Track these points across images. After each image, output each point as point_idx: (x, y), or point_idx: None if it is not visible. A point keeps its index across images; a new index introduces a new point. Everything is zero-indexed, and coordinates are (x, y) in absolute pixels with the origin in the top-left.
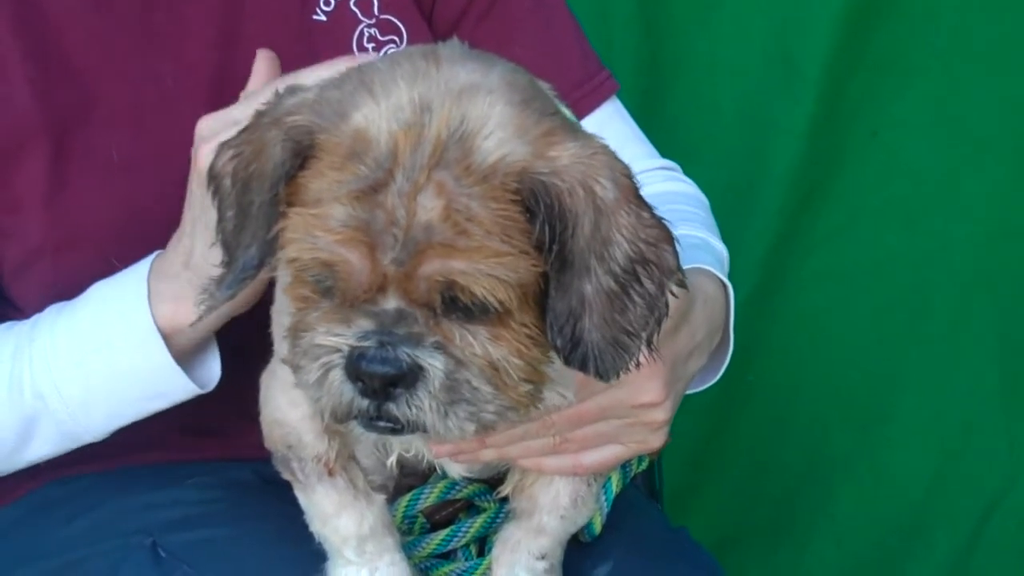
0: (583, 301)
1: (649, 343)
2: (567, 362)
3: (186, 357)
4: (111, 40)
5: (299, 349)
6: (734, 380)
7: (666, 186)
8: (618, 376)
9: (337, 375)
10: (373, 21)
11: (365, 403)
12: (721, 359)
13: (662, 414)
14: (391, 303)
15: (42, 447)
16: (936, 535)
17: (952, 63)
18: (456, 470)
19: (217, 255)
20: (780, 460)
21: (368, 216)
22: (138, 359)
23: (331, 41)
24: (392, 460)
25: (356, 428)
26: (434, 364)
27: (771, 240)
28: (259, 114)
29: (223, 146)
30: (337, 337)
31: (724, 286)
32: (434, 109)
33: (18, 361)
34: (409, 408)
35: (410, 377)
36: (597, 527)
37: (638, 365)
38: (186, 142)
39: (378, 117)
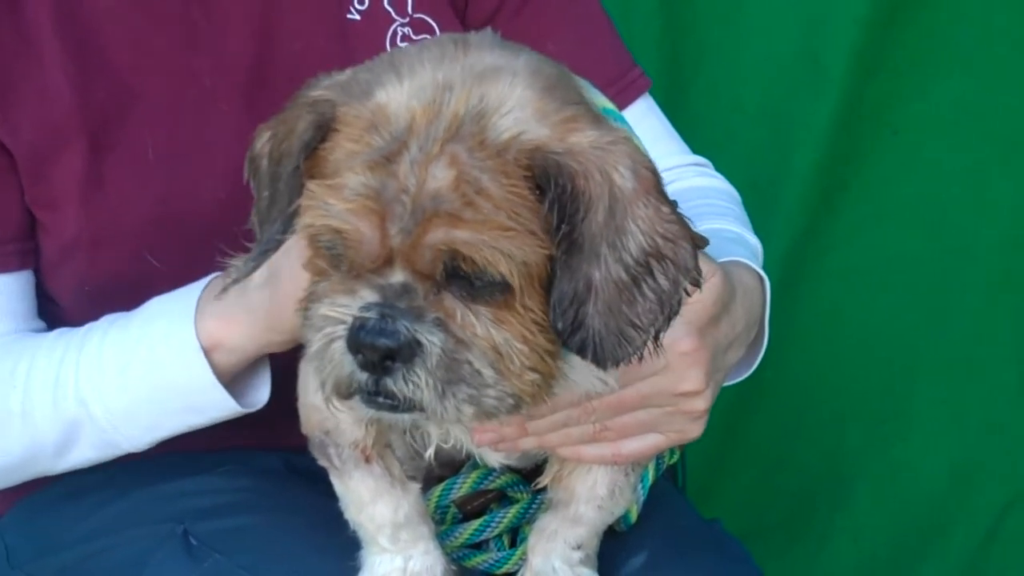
0: (590, 287)
1: (656, 338)
2: (566, 345)
3: (236, 378)
4: (149, 37)
5: (308, 321)
6: (752, 377)
7: (699, 181)
8: (617, 366)
9: (339, 347)
10: (407, 20)
11: (364, 377)
12: (755, 352)
13: (702, 403)
14: (397, 276)
15: (84, 452)
16: (953, 533)
17: (975, 63)
18: (494, 459)
19: (268, 293)
20: (798, 457)
21: (380, 185)
22: (180, 372)
23: (365, 40)
24: (431, 451)
25: (358, 405)
26: (432, 340)
27: (792, 237)
28: (296, 96)
29: (262, 128)
30: (341, 308)
31: (761, 279)
32: (455, 88)
33: (65, 366)
34: (406, 384)
35: (407, 351)
36: (633, 517)
37: (641, 359)
38: (222, 139)
39: (399, 94)
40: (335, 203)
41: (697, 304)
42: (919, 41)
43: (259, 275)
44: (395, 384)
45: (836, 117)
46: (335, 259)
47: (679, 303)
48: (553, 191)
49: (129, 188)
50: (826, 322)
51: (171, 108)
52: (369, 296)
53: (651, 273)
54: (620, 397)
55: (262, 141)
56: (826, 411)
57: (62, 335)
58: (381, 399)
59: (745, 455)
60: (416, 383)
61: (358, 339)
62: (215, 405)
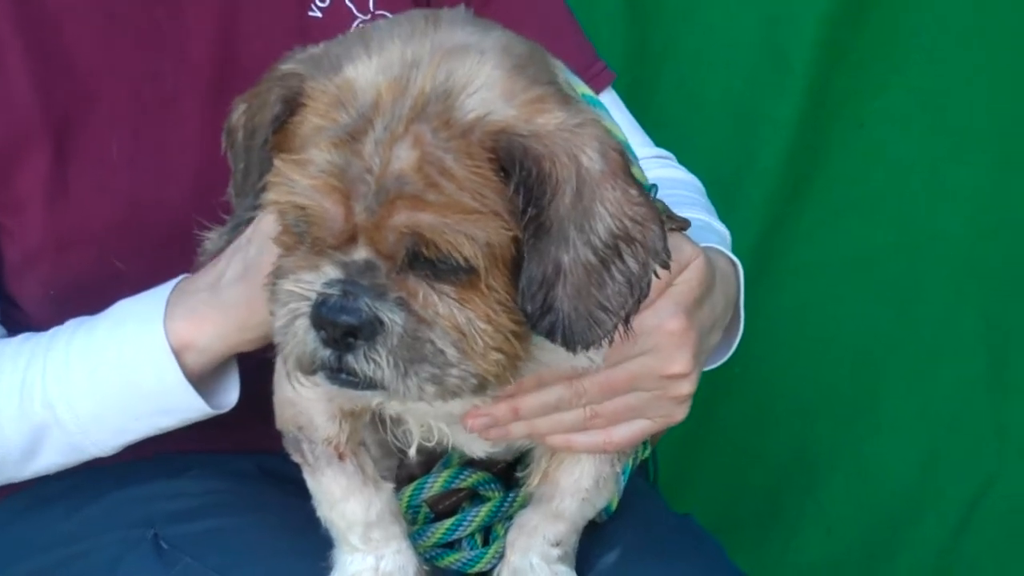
0: (559, 270)
1: (627, 321)
2: (534, 328)
3: (204, 379)
4: (112, 38)
5: (273, 296)
6: (720, 371)
7: (663, 172)
8: (587, 348)
9: (303, 323)
10: (368, 17)
11: (327, 353)
12: (731, 337)
13: (688, 386)
14: (360, 253)
15: (49, 458)
16: (924, 524)
17: (938, 56)
18: (480, 448)
19: (243, 289)
20: (767, 451)
21: (344, 163)
22: (149, 375)
23: (327, 37)
24: (413, 449)
25: (321, 380)
26: (394, 319)
27: (757, 232)
28: (272, 69)
29: (238, 100)
30: (305, 284)
31: (733, 264)
32: (422, 65)
33: (31, 370)
34: (367, 362)
35: (368, 329)
36: (614, 505)
37: (611, 342)
38: (185, 139)
39: (367, 70)
40: (299, 179)
41: (684, 285)
42: (881, 35)
43: (232, 271)
44: (356, 362)
45: (800, 111)
46: (300, 236)
47: (648, 285)
48: (519, 174)
49: (93, 191)
50: (793, 316)
51: (133, 109)
52: (332, 272)
53: (620, 256)
54: (609, 377)
55: (237, 114)
56: (795, 404)
57: (27, 340)
58: (344, 375)
59: (715, 449)
60: (377, 361)
61: (320, 315)
62: (185, 407)
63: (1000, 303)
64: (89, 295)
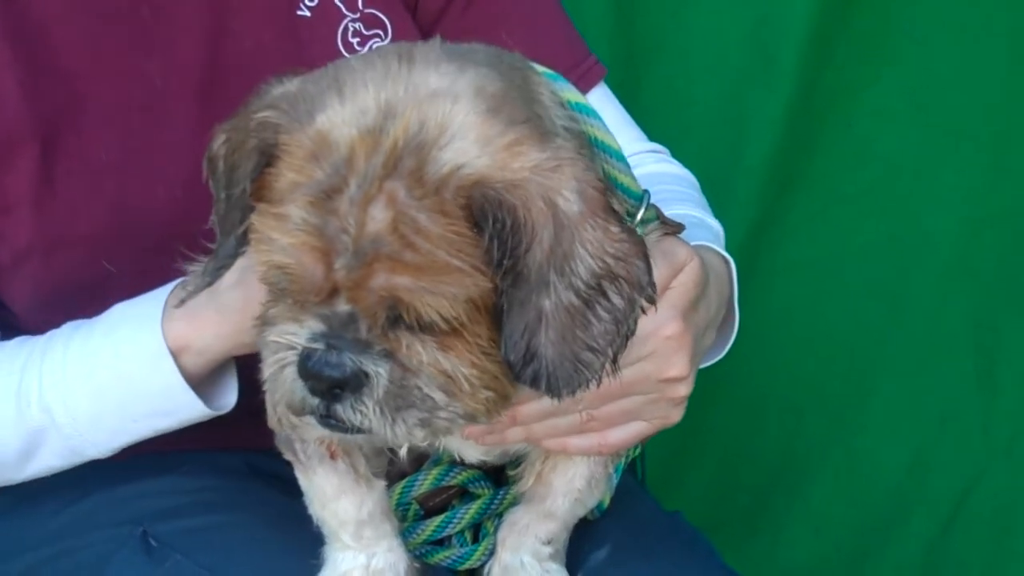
0: (540, 316)
1: (615, 359)
2: (518, 378)
3: (203, 381)
4: (99, 40)
5: (262, 341)
6: (710, 369)
7: (657, 167)
8: (572, 394)
9: (290, 372)
10: (357, 15)
11: (316, 401)
12: (726, 335)
13: (685, 388)
14: (342, 306)
15: (47, 461)
16: (912, 522)
17: (927, 53)
18: (473, 454)
19: (239, 294)
20: (757, 449)
21: (321, 222)
22: (147, 376)
23: (316, 36)
24: (404, 450)
25: (311, 423)
26: (379, 371)
27: (747, 230)
28: (250, 100)
29: (219, 129)
30: (289, 336)
31: (726, 261)
32: (397, 115)
33: (28, 374)
34: (354, 412)
35: (354, 382)
36: (606, 503)
37: (599, 383)
38: (175, 140)
39: (340, 121)
40: (278, 238)
41: (679, 288)
42: (870, 32)
43: (230, 276)
44: (344, 412)
45: (788, 109)
46: (283, 292)
47: (635, 321)
48: (492, 228)
49: (82, 192)
50: (782, 314)
51: (122, 110)
52: (315, 326)
53: (604, 294)
54: (607, 385)
55: (218, 143)
56: (784, 402)
57: (23, 343)
58: (333, 421)
59: (704, 447)
60: (364, 412)
61: (307, 369)
62: (183, 408)
63: (989, 301)
64: (78, 297)
